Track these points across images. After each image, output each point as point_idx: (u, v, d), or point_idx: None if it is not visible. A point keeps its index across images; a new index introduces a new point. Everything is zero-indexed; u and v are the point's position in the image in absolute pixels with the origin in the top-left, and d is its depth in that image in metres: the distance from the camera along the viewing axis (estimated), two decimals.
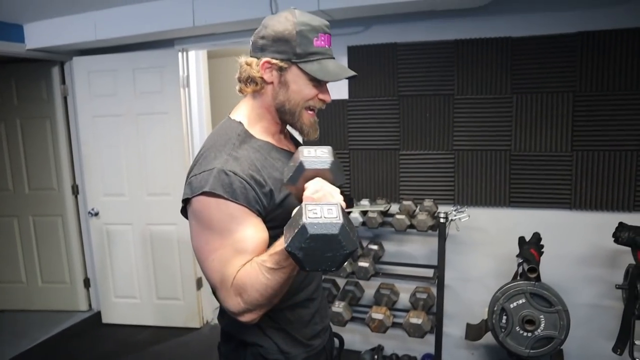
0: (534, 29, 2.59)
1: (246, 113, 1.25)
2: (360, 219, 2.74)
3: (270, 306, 1.09)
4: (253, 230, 1.09)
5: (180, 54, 3.30)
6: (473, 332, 2.62)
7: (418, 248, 2.98)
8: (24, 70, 3.67)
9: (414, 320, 2.62)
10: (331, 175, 1.04)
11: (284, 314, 1.25)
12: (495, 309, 2.33)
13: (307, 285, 1.31)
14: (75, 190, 3.78)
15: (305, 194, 1.01)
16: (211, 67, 3.75)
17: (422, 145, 2.87)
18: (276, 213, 1.15)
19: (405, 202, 2.82)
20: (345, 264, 2.70)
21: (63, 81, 3.65)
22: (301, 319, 1.29)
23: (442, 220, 2.59)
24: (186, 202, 1.12)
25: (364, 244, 2.97)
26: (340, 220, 0.89)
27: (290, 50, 1.15)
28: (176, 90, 3.31)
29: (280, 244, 0.98)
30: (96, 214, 3.56)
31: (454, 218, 2.63)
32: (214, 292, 1.13)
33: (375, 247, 2.91)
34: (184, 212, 1.16)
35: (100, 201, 3.55)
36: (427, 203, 2.76)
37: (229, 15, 2.72)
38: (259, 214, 1.11)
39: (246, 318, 1.08)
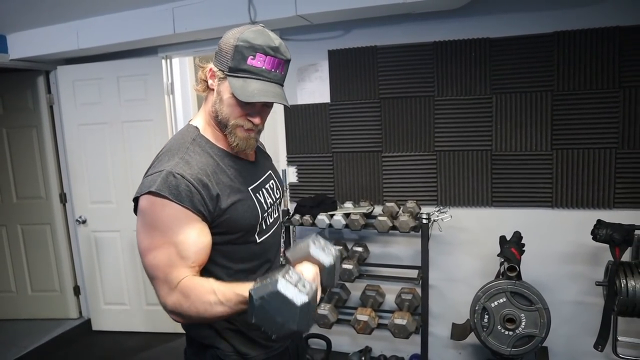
0: (512, 29, 2.61)
1: (202, 118, 1.28)
2: (343, 222, 2.75)
3: (200, 321, 1.17)
4: (196, 234, 1.13)
5: (163, 61, 3.31)
6: (458, 332, 2.64)
7: (403, 249, 2.99)
8: (10, 80, 3.68)
9: (398, 321, 2.63)
10: (325, 275, 1.10)
11: (241, 316, 1.24)
12: (477, 308, 2.35)
13: None
14: (63, 199, 3.79)
15: (299, 267, 1.10)
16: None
17: (404, 147, 2.89)
18: (223, 218, 1.18)
19: (388, 204, 2.83)
20: None
21: (49, 90, 3.66)
22: None
23: (424, 221, 2.60)
24: (136, 200, 1.16)
25: (349, 246, 2.98)
26: (308, 296, 0.93)
27: (226, 63, 1.17)
28: (160, 98, 3.32)
29: (245, 286, 1.01)
30: (84, 222, 3.57)
31: (436, 219, 2.64)
32: (152, 282, 1.17)
33: (359, 249, 2.92)
34: (136, 211, 1.19)
35: (87, 209, 3.57)
36: (410, 204, 2.78)
37: (208, 22, 2.74)
38: (204, 218, 1.15)
39: (172, 316, 1.14)
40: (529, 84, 2.62)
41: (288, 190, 3.19)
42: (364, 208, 2.83)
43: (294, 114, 3.09)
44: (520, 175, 2.71)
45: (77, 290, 3.92)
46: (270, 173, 1.44)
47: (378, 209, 2.93)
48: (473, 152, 2.77)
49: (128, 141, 3.42)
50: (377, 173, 2.97)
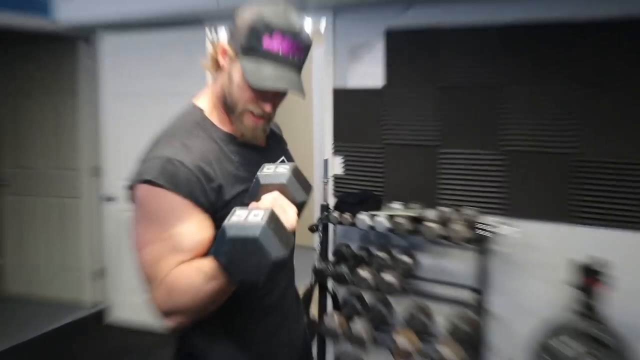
0: (604, 9, 2.11)
1: (208, 98, 1.20)
2: (387, 224, 2.37)
3: (201, 313, 1.02)
4: (194, 227, 1.03)
5: (208, 31, 3.13)
6: None
7: (460, 265, 2.51)
8: (56, 47, 3.69)
9: (446, 354, 2.20)
10: (289, 192, 1.02)
11: (234, 322, 1.16)
12: (537, 347, 1.89)
13: (264, 296, 1.19)
14: (95, 173, 3.80)
15: (253, 204, 1.00)
16: None
17: (467, 144, 2.46)
18: (225, 211, 1.02)
19: (442, 209, 2.41)
20: (366, 274, 2.35)
21: (92, 58, 3.63)
22: (255, 332, 1.18)
23: (483, 233, 2.14)
24: (131, 187, 1.09)
25: (394, 253, 2.57)
26: (262, 222, 0.86)
27: (239, 42, 1.08)
28: (202, 71, 3.10)
29: None
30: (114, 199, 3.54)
31: (499, 232, 2.17)
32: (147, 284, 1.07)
33: (406, 258, 2.50)
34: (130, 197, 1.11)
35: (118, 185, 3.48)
36: (468, 211, 2.33)
37: None
38: (205, 210, 1.06)
39: (172, 320, 1.02)
40: (628, 73, 2.08)
41: (331, 183, 2.85)
42: (413, 211, 2.42)
43: (343, 98, 2.76)
44: (616, 188, 2.17)
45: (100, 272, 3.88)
46: (283, 159, 1.26)
47: (432, 214, 2.50)
48: (552, 154, 2.28)
49: (166, 114, 3.21)
50: (433, 172, 2.55)
